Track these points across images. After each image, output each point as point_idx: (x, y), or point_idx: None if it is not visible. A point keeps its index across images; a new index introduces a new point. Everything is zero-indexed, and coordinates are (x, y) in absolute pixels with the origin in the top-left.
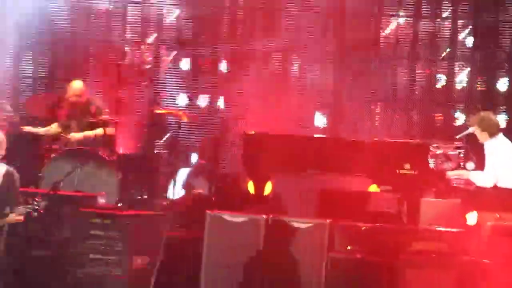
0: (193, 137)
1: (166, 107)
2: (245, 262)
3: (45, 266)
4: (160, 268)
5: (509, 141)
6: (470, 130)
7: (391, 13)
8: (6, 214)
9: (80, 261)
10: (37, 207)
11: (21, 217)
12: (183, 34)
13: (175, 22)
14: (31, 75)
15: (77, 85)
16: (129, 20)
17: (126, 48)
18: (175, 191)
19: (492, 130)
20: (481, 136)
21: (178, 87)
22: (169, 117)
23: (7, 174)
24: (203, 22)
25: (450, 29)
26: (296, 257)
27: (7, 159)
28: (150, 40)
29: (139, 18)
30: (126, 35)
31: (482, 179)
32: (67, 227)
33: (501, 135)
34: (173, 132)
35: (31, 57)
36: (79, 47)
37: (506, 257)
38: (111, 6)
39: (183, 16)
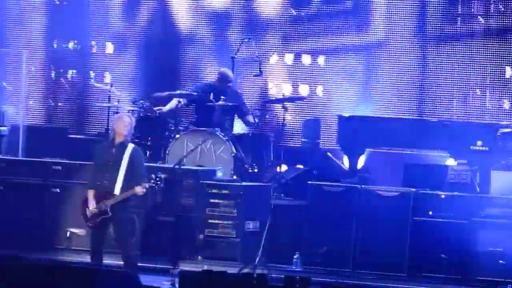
0: (297, 119)
1: (273, 95)
2: (341, 225)
3: (171, 230)
4: (268, 231)
5: None
6: None
7: None
8: (132, 186)
9: (201, 225)
10: (158, 181)
11: (143, 189)
12: (287, 31)
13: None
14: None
15: (230, 72)
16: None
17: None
18: (281, 165)
19: None
20: None
21: (283, 78)
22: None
23: (134, 152)
24: (304, 20)
25: None
26: (385, 221)
27: (140, 138)
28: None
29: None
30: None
31: None
32: (190, 196)
33: None
34: (280, 115)
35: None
36: (198, 45)
37: None
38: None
39: (287, 16)
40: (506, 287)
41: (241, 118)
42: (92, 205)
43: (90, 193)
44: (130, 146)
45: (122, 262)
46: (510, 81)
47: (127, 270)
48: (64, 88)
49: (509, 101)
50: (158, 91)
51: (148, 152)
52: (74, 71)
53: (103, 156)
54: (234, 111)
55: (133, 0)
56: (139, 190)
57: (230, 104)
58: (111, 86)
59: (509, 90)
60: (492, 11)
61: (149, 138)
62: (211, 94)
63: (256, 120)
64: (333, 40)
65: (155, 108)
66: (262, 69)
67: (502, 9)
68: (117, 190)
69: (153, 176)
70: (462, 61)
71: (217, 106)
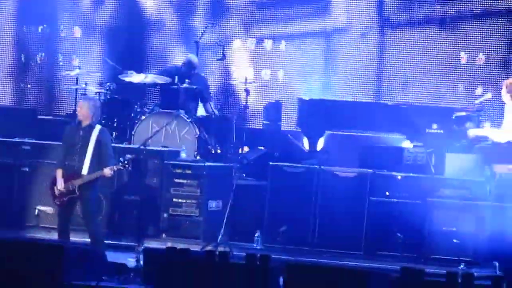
0: (259, 101)
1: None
2: (301, 205)
3: (136, 208)
4: (230, 210)
5: None
6: (487, 96)
7: None
8: (101, 168)
9: (165, 204)
10: (127, 165)
11: (111, 171)
12: (250, 17)
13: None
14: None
15: (196, 60)
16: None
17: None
18: (244, 147)
19: None
20: (506, 97)
21: (245, 62)
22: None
23: (101, 133)
24: (266, 6)
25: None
26: (343, 201)
27: (106, 120)
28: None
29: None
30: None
31: (499, 135)
32: (155, 176)
33: None
34: (242, 98)
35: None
36: (164, 29)
37: None
38: None
39: (250, 1)
40: (460, 266)
41: (202, 103)
42: (60, 184)
43: (59, 173)
44: (97, 127)
45: (89, 240)
46: (465, 66)
47: (93, 247)
48: (33, 70)
49: (464, 85)
50: (124, 74)
51: (114, 133)
52: (43, 54)
53: (71, 137)
54: (198, 95)
55: None
56: (107, 172)
57: (194, 87)
58: (79, 68)
59: (464, 75)
60: None
61: (115, 120)
62: (176, 77)
63: (216, 112)
64: (294, 26)
65: (120, 76)
66: (225, 53)
67: None
68: (85, 170)
69: (121, 159)
70: (419, 46)
71: (181, 89)
